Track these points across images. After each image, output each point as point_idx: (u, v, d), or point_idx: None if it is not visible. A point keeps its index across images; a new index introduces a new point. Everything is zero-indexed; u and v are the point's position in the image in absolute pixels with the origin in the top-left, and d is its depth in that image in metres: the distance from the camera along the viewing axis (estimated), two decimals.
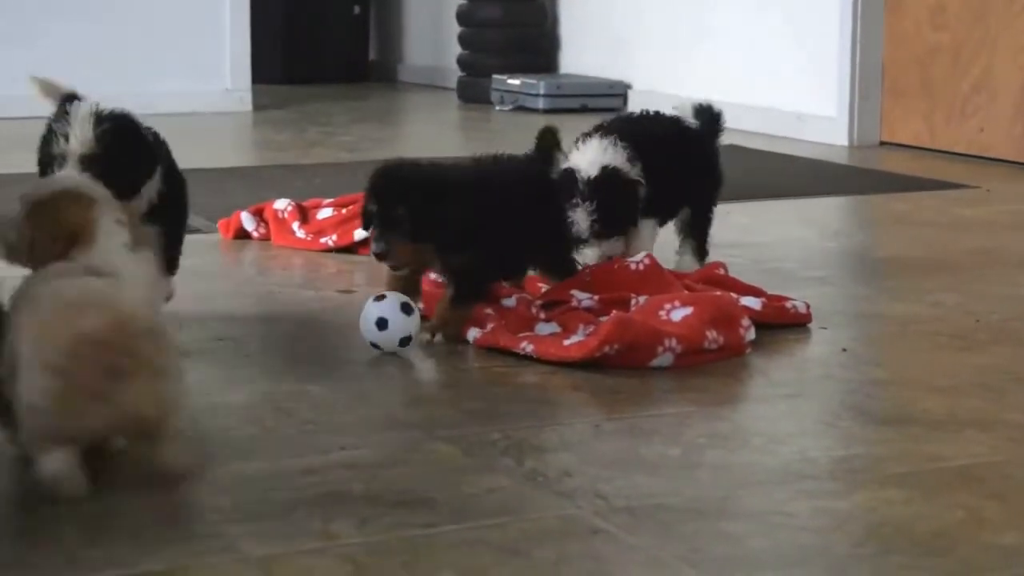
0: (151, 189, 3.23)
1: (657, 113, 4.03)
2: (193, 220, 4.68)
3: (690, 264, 3.94)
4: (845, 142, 6.88)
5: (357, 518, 2.27)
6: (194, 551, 2.14)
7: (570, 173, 3.69)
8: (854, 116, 6.90)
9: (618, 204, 3.73)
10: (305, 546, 2.16)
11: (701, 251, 4.00)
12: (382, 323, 3.13)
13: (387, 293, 3.20)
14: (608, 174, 3.72)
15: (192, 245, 3.65)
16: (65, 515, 2.28)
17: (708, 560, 2.13)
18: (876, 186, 5.75)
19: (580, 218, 3.67)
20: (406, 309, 3.15)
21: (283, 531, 2.22)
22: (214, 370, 3.08)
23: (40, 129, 3.21)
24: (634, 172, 3.75)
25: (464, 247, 3.27)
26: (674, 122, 3.99)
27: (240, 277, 3.99)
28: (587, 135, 3.81)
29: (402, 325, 3.14)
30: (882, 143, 6.91)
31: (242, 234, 4.47)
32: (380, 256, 3.26)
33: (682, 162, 3.91)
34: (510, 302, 3.38)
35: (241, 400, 2.89)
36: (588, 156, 3.75)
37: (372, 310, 3.15)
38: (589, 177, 3.70)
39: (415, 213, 3.22)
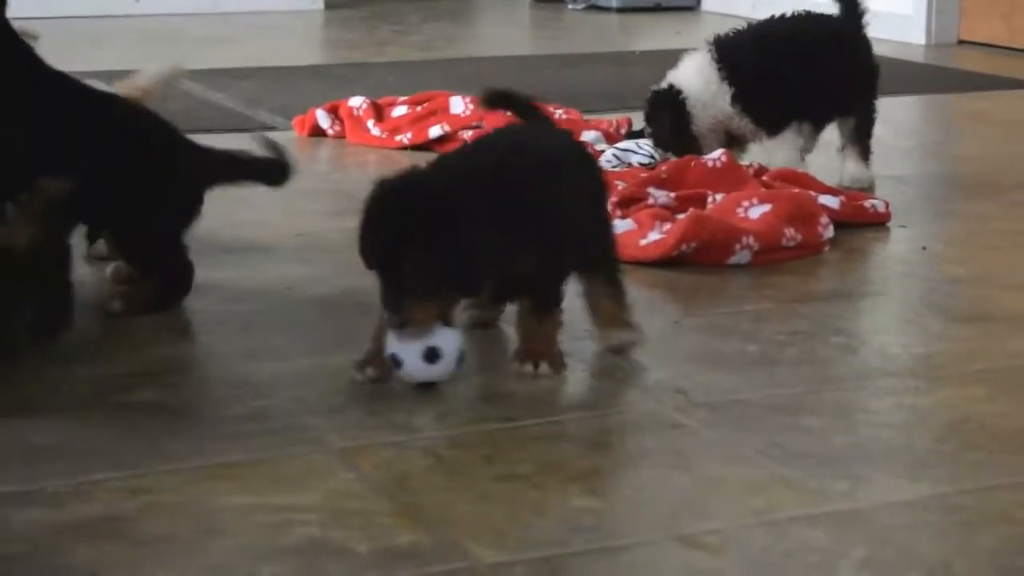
0: None
1: (795, 15, 3.83)
2: (268, 118, 4.71)
3: (853, 169, 3.80)
4: (922, 41, 6.78)
5: (437, 411, 2.29)
6: (279, 442, 2.17)
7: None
8: (931, 14, 6.80)
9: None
10: (387, 438, 2.18)
11: (865, 153, 3.83)
12: (397, 362, 2.37)
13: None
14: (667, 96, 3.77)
15: None
16: (150, 407, 2.32)
17: (788, 454, 2.14)
18: (954, 85, 5.67)
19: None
20: (430, 357, 2.34)
21: (365, 423, 2.24)
22: (294, 265, 3.10)
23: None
24: (727, 93, 3.72)
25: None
26: (813, 22, 3.84)
27: (315, 174, 3.99)
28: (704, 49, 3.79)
29: (422, 374, 2.36)
30: (960, 42, 6.81)
31: (317, 131, 4.48)
32: (402, 325, 2.32)
33: (820, 66, 3.78)
34: None
35: (321, 295, 2.91)
36: (683, 73, 3.78)
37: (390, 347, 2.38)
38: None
39: (429, 256, 2.27)
